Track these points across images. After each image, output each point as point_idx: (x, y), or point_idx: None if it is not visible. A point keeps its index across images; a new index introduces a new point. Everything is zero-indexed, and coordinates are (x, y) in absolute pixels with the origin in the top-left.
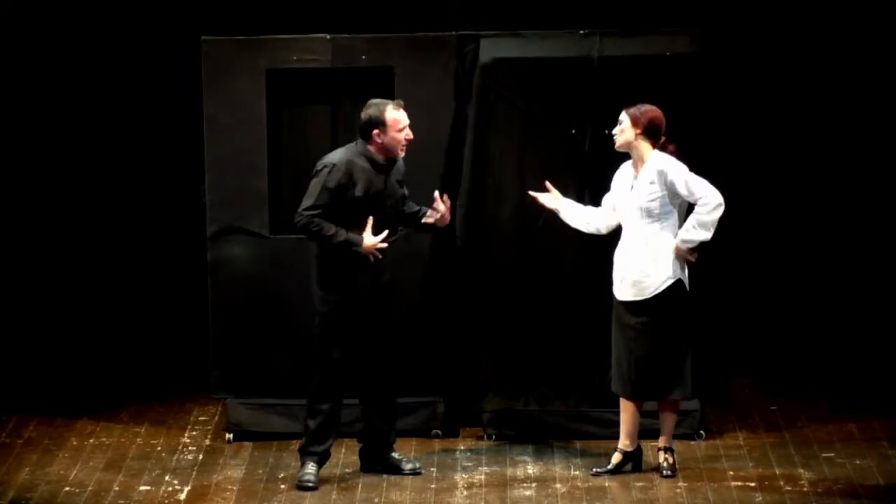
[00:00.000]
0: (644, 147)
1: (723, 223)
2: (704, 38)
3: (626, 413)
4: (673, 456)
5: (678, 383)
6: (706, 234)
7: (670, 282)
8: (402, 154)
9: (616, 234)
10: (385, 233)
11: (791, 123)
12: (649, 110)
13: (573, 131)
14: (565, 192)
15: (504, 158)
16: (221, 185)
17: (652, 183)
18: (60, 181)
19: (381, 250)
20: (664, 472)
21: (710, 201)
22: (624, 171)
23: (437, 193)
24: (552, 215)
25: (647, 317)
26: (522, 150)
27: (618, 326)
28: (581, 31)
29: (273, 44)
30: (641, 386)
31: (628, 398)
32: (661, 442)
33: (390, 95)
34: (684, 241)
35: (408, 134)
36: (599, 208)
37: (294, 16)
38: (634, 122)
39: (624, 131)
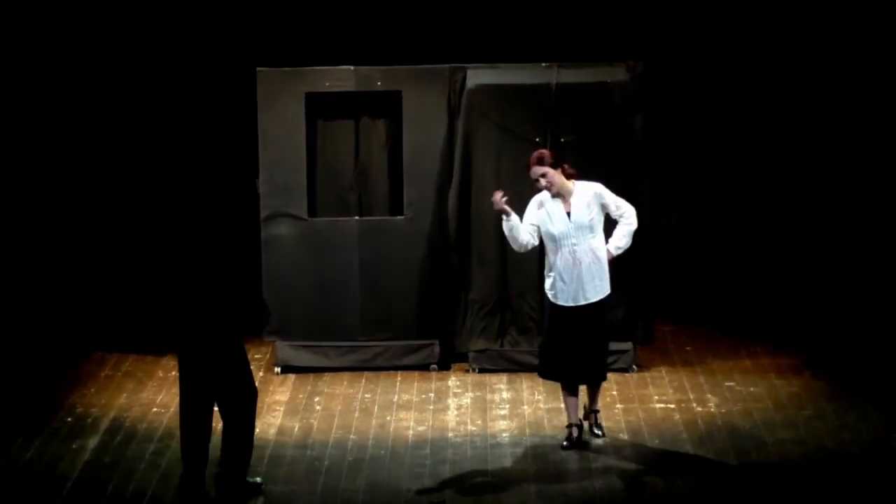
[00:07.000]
0: (565, 181)
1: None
2: (637, 69)
3: (573, 395)
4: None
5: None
6: (630, 242)
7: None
8: None
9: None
10: None
11: (713, 137)
12: (544, 152)
13: (537, 139)
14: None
15: (484, 161)
16: (272, 181)
17: (588, 206)
18: (129, 173)
19: None
20: (599, 431)
21: (632, 213)
22: (549, 205)
23: None
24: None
25: (601, 312)
26: (498, 155)
27: (572, 329)
28: (543, 64)
29: (310, 73)
30: (595, 372)
31: (581, 384)
32: (595, 405)
33: (399, 114)
34: (618, 248)
35: None
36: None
37: (327, 52)
38: (554, 167)
39: (554, 177)
